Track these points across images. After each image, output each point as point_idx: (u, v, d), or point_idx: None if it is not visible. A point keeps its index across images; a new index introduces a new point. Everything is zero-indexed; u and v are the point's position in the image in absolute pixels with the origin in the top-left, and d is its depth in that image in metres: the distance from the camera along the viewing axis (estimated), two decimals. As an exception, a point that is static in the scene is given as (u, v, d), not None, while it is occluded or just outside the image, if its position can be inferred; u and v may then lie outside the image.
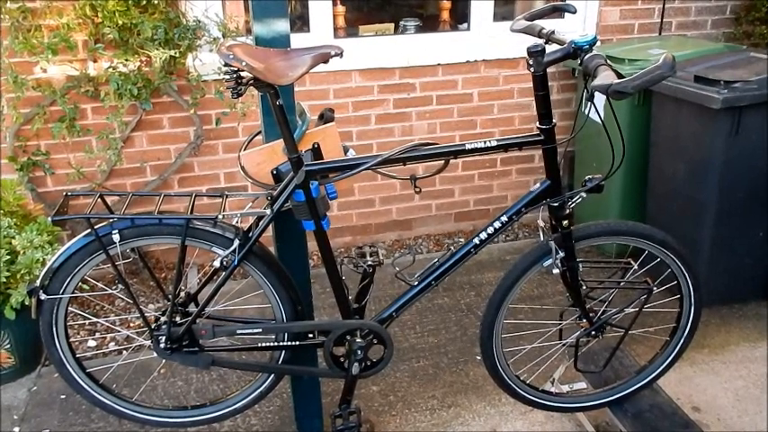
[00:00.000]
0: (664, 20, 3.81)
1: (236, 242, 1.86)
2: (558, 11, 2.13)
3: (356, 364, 2.05)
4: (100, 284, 2.37)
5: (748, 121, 2.69)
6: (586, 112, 2.14)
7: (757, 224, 2.93)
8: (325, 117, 2.00)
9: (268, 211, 1.85)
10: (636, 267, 2.19)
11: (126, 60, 2.92)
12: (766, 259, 3.03)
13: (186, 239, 1.84)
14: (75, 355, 2.01)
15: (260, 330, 2.01)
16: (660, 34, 3.82)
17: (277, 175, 1.89)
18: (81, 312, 2.96)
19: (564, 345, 2.32)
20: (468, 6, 3.63)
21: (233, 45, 1.66)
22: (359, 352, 2.04)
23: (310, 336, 2.06)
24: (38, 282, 1.86)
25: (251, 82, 1.69)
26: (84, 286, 1.99)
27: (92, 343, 2.95)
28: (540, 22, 1.98)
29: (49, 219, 1.79)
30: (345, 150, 1.96)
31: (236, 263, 1.86)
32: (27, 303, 2.42)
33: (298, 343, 2.05)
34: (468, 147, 1.86)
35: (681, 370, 2.64)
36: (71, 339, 2.01)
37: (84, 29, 2.92)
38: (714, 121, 2.71)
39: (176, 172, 3.38)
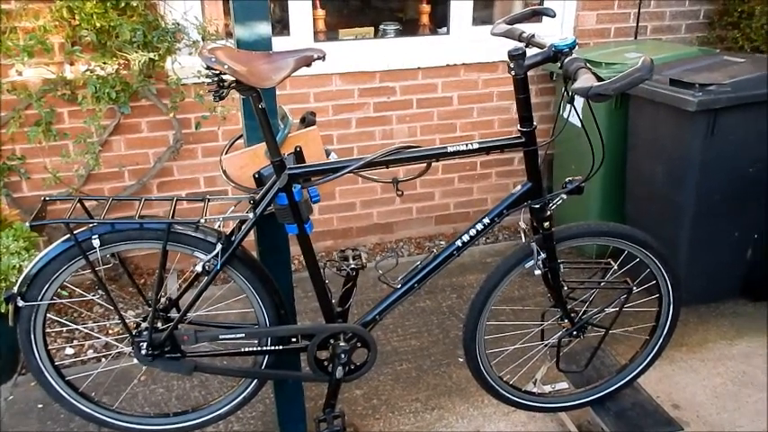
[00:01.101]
0: (639, 24, 3.86)
1: (219, 246, 1.84)
2: (537, 15, 2.14)
3: (340, 367, 2.05)
4: (78, 291, 2.34)
5: (723, 123, 2.73)
6: (565, 115, 2.16)
7: (733, 224, 2.97)
8: (307, 120, 1.99)
9: (251, 215, 1.84)
10: (616, 268, 2.21)
11: (104, 63, 2.89)
12: (742, 258, 3.08)
13: (168, 244, 1.83)
14: (53, 363, 1.98)
15: (243, 335, 2.00)
16: (636, 38, 3.87)
17: (259, 179, 1.88)
18: (58, 319, 2.92)
19: (546, 345, 2.33)
20: (447, 10, 3.65)
21: (215, 48, 1.65)
22: (343, 355, 2.04)
23: (294, 340, 2.05)
24: (15, 288, 1.83)
25: (233, 85, 1.68)
26: (63, 293, 1.96)
27: (69, 351, 2.91)
28: (519, 26, 2.00)
29: (27, 224, 1.76)
30: (327, 154, 1.96)
31: (218, 267, 1.85)
32: (3, 311, 2.38)
33: (281, 347, 2.04)
34: (450, 149, 1.87)
35: (660, 368, 2.67)
36: (49, 347, 1.98)
37: (60, 31, 2.88)
38: (690, 123, 2.75)
39: (155, 176, 3.35)
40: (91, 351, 2.90)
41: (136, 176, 3.33)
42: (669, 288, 2.26)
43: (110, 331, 3.01)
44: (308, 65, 1.75)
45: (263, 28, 1.81)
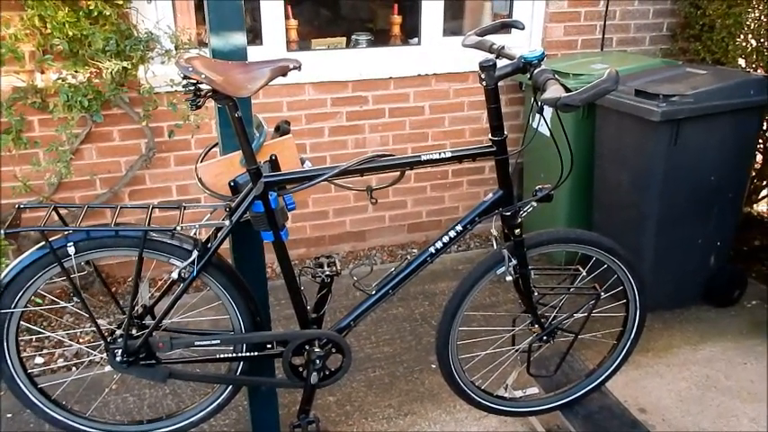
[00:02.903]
0: (605, 36, 3.96)
1: (195, 253, 1.85)
2: (506, 27, 2.19)
3: (315, 373, 2.07)
4: (49, 297, 2.32)
5: (686, 133, 2.81)
6: (535, 124, 2.21)
7: (697, 231, 3.06)
8: (282, 129, 2.02)
9: (227, 223, 1.86)
10: (584, 274, 2.27)
11: (75, 72, 2.87)
12: (705, 264, 3.17)
13: (144, 251, 1.83)
14: (26, 371, 1.97)
15: (218, 342, 2.00)
16: (602, 50, 3.97)
17: (235, 187, 1.90)
18: (32, 327, 2.89)
19: (517, 350, 2.38)
20: (418, 21, 3.70)
21: (192, 58, 1.67)
22: (317, 361, 2.06)
23: (269, 346, 2.07)
24: (-12, 296, 1.82)
25: (209, 94, 1.70)
26: (38, 300, 1.95)
27: (39, 360, 2.88)
28: (490, 38, 2.05)
29: (2, 231, 1.76)
30: (302, 162, 1.99)
31: (194, 274, 1.86)
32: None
33: (256, 354, 2.05)
34: (423, 158, 1.91)
35: (627, 373, 2.73)
36: (22, 355, 1.97)
37: (31, 40, 2.87)
38: (654, 132, 2.82)
39: (127, 185, 3.33)
40: (61, 360, 2.87)
41: (107, 185, 3.31)
42: (635, 294, 2.33)
43: (80, 340, 2.99)
44: (284, 75, 1.78)
45: (239, 38, 1.83)
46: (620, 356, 2.45)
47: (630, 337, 2.41)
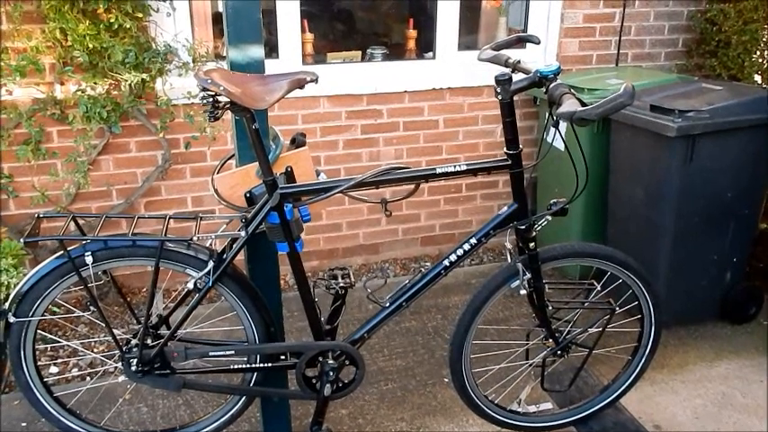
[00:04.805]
0: (620, 51, 3.96)
1: (211, 264, 1.87)
2: (522, 41, 2.21)
3: (328, 385, 2.07)
4: (66, 306, 2.34)
5: (701, 149, 2.80)
6: (549, 138, 2.21)
7: (712, 248, 3.04)
8: (297, 141, 2.03)
9: (242, 233, 1.87)
10: (599, 288, 2.26)
11: (95, 83, 2.91)
12: (720, 281, 3.14)
13: (160, 261, 1.85)
14: (42, 379, 1.99)
15: (232, 352, 2.01)
16: (617, 65, 3.97)
17: (250, 198, 1.92)
18: (50, 336, 2.91)
19: (530, 365, 2.37)
20: (433, 35, 3.72)
21: (210, 70, 1.69)
22: (331, 373, 2.06)
23: (282, 357, 2.07)
24: (6, 304, 1.84)
25: (227, 106, 1.72)
26: (55, 309, 1.97)
27: (53, 369, 2.89)
28: (505, 52, 2.06)
29: (22, 240, 1.78)
30: (317, 174, 2.00)
31: (209, 284, 1.87)
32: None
33: (270, 365, 2.06)
34: (439, 170, 1.92)
35: (642, 389, 2.70)
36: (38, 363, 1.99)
37: (52, 52, 2.91)
38: (669, 148, 2.82)
39: (143, 196, 3.36)
40: (75, 369, 2.89)
41: (123, 195, 3.34)
42: (650, 309, 2.31)
43: (95, 349, 3.01)
44: (301, 87, 1.79)
45: (257, 51, 1.85)
46: (635, 372, 2.43)
47: (645, 352, 2.40)
